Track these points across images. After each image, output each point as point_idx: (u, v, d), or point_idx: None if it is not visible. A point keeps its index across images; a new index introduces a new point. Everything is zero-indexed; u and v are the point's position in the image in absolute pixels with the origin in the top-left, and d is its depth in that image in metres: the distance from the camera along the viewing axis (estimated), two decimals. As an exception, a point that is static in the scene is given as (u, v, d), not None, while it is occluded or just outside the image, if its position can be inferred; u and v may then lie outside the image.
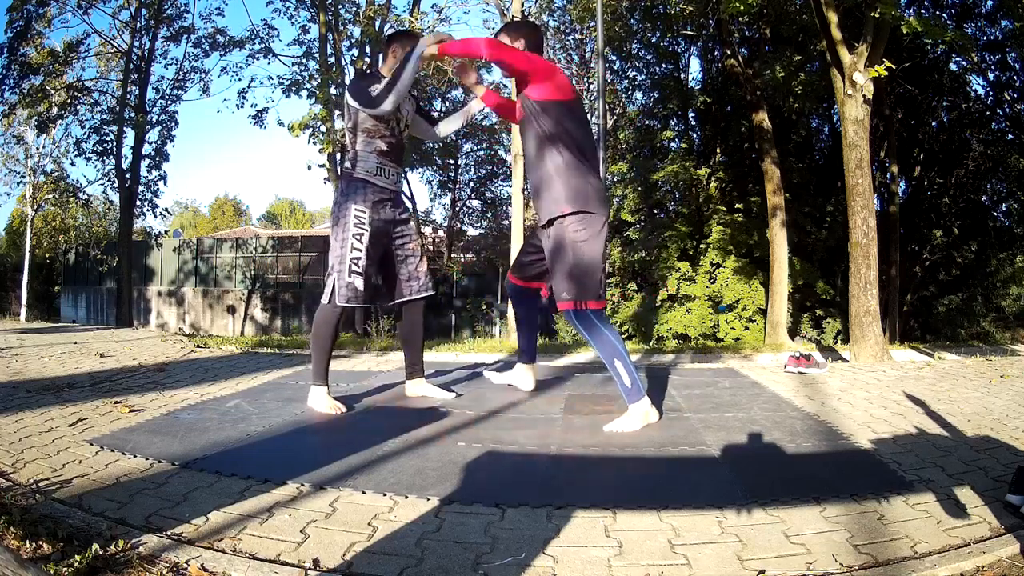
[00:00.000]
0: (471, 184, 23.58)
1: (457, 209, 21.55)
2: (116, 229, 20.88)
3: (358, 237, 2.76)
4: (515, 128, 10.04)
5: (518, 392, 3.21)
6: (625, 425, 2.47)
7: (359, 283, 2.76)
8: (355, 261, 2.75)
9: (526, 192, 9.98)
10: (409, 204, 3.04)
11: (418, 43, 2.67)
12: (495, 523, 1.61)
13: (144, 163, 14.52)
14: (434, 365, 4.39)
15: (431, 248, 20.13)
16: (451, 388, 3.21)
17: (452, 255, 19.84)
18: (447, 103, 22.23)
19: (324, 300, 2.80)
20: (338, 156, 11.05)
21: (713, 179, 14.48)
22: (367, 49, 12.52)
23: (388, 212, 2.88)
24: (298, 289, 20.66)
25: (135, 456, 2.09)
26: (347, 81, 2.86)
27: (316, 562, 1.41)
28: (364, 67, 11.60)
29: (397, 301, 3.01)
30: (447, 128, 3.14)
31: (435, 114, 3.01)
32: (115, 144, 14.36)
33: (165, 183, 14.94)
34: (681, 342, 12.16)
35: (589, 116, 17.35)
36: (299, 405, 2.88)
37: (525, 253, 2.97)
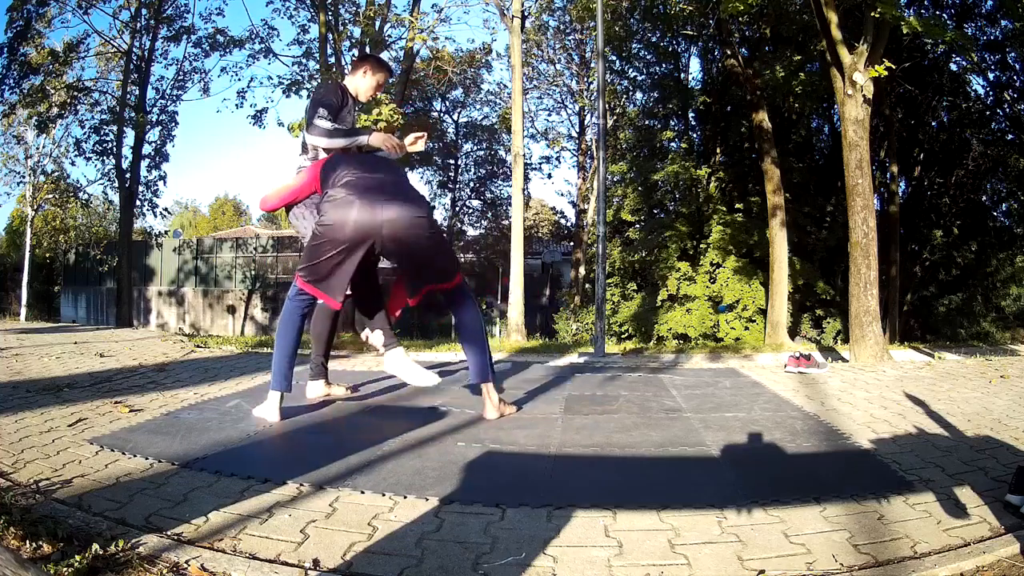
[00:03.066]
0: (471, 184, 23.59)
1: (457, 209, 21.59)
2: (116, 229, 20.89)
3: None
4: (516, 127, 10.04)
5: (517, 392, 3.21)
6: (266, 412, 2.59)
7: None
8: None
9: (526, 192, 9.99)
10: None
11: (372, 134, 2.80)
12: (495, 523, 1.61)
13: (144, 163, 14.54)
14: (435, 365, 4.39)
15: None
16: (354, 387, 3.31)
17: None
18: (447, 102, 22.24)
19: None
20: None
21: (713, 179, 14.49)
22: (367, 49, 12.51)
23: None
24: (298, 289, 20.61)
25: (135, 456, 2.09)
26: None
27: (316, 562, 1.41)
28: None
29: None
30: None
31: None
32: (115, 144, 14.37)
33: (165, 183, 14.92)
34: (681, 342, 12.16)
35: (588, 116, 17.24)
36: (299, 405, 2.88)
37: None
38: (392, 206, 2.50)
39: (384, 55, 14.20)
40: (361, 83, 3.05)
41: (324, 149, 2.82)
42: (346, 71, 3.10)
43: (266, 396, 2.64)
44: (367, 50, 12.42)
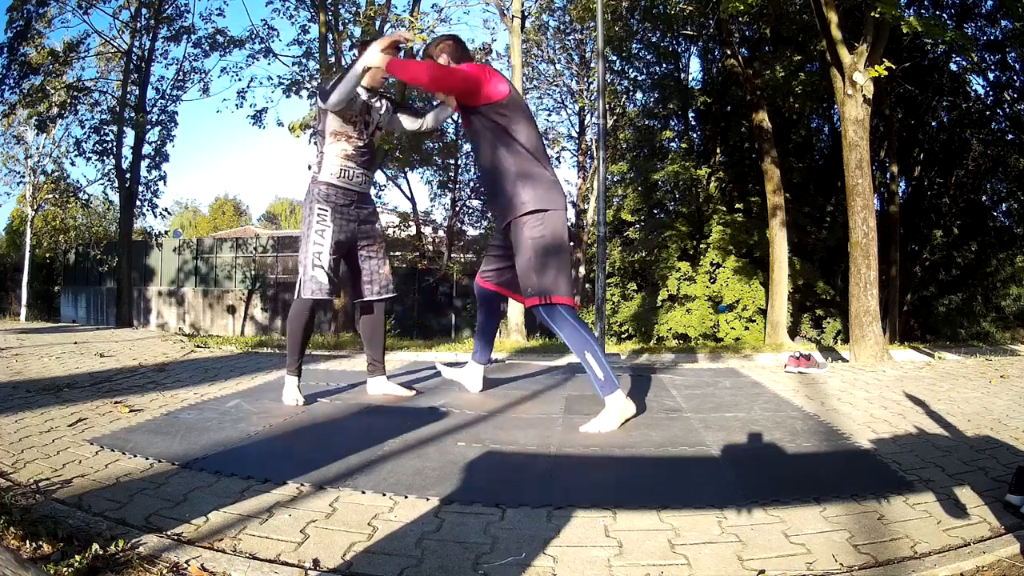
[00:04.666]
0: (471, 184, 23.56)
1: (457, 209, 21.54)
2: (116, 229, 20.89)
3: (320, 232, 2.86)
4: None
5: (517, 392, 3.22)
6: (603, 423, 2.44)
7: (321, 276, 2.86)
8: (317, 255, 2.85)
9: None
10: (372, 206, 3.27)
11: (371, 46, 2.74)
12: (495, 523, 1.61)
13: (144, 163, 14.53)
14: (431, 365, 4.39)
15: (431, 248, 20.13)
16: (412, 386, 3.25)
17: (452, 255, 19.83)
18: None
19: (295, 295, 2.94)
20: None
21: (713, 179, 14.49)
22: (367, 49, 12.51)
23: (352, 212, 2.95)
24: (298, 289, 20.64)
25: (135, 456, 2.09)
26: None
27: (316, 562, 1.41)
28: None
29: (355, 300, 3.10)
30: (436, 118, 3.15)
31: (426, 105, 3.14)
32: (115, 144, 14.37)
33: (165, 183, 14.92)
34: (681, 342, 12.16)
35: (588, 116, 17.22)
36: (299, 404, 2.88)
37: (493, 258, 2.94)
38: None
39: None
40: (372, 72, 2.88)
41: (336, 114, 2.82)
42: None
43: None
44: (367, 50, 12.39)
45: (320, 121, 2.89)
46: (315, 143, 2.92)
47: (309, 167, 2.97)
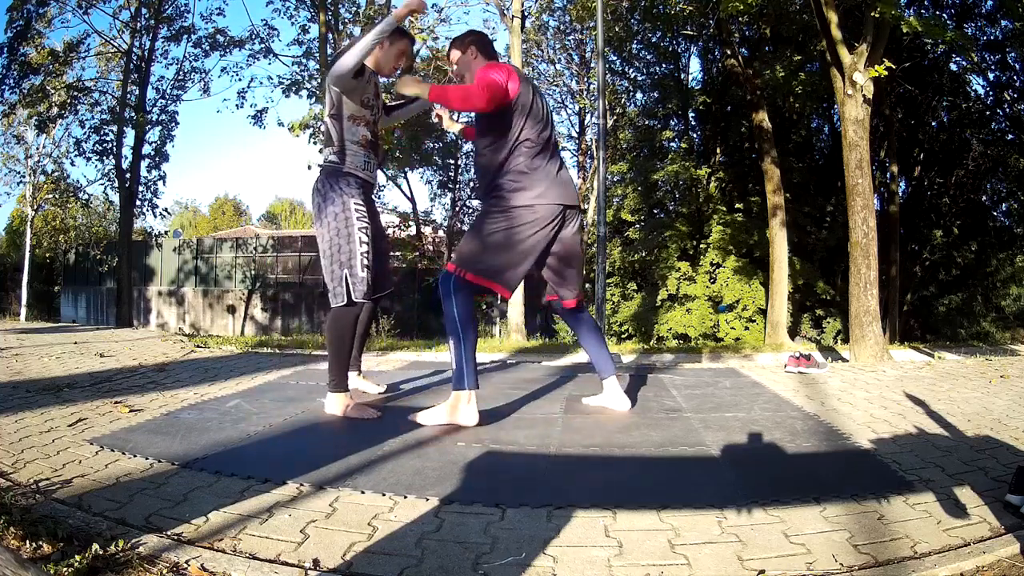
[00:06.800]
0: (471, 184, 23.57)
1: (457, 209, 21.52)
2: (116, 229, 20.91)
3: (363, 231, 2.66)
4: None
5: (517, 392, 3.22)
6: (434, 415, 2.52)
7: (369, 277, 2.69)
8: (364, 255, 2.66)
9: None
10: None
11: (392, 12, 2.61)
12: (495, 523, 1.61)
13: (144, 163, 14.54)
14: (436, 365, 4.39)
15: (431, 248, 20.13)
16: (380, 383, 3.27)
17: (452, 255, 19.85)
18: (447, 103, 22.16)
19: (340, 302, 2.64)
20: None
21: (713, 179, 14.50)
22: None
23: (370, 207, 2.83)
24: (298, 289, 20.70)
25: (135, 456, 2.09)
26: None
27: (316, 562, 1.41)
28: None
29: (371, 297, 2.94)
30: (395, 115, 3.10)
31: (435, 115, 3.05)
32: (115, 144, 14.38)
33: (164, 183, 14.94)
34: (681, 342, 12.17)
35: (588, 116, 17.17)
36: (299, 405, 2.88)
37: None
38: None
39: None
40: (382, 55, 2.75)
41: (352, 77, 2.61)
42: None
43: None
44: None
45: (333, 105, 2.68)
46: (317, 138, 2.83)
47: (309, 167, 2.92)
